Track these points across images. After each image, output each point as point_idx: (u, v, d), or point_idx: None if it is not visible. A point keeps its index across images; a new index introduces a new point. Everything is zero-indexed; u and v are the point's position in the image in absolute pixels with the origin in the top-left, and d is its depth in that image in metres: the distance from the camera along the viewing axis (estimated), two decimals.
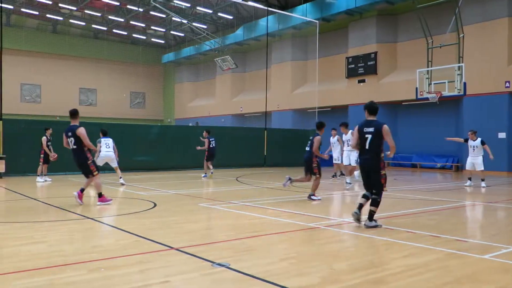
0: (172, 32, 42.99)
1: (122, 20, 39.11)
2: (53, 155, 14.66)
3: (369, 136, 7.20)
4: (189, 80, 46.05)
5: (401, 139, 26.81)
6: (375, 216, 7.26)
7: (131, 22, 39.90)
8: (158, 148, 20.74)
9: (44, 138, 14.74)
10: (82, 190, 9.42)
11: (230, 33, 37.38)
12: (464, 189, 13.92)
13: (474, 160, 14.54)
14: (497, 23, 21.29)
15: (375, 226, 7.12)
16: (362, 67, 27.37)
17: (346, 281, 4.31)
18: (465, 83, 18.25)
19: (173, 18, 35.96)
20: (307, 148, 11.05)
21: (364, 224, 7.16)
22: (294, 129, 28.80)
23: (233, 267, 4.70)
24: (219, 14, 36.78)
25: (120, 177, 14.11)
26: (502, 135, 20.89)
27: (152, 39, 45.55)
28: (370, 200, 7.25)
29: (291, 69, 33.02)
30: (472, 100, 21.85)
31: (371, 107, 7.42)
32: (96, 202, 9.50)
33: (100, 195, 9.40)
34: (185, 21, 34.01)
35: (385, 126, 7.23)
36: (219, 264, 4.79)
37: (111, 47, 44.23)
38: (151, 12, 37.01)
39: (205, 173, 17.62)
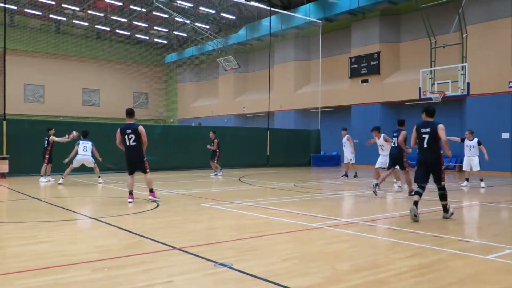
0: (174, 32, 43.02)
1: (125, 20, 39.16)
2: (74, 134, 14.64)
3: (426, 136, 7.99)
4: (191, 80, 46.10)
5: None
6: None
7: (134, 23, 39.95)
8: (160, 148, 20.75)
9: (52, 137, 14.85)
10: (151, 190, 9.97)
11: (232, 33, 37.40)
12: (460, 190, 13.87)
13: (471, 160, 14.55)
14: (501, 23, 21.23)
15: (452, 214, 8.05)
16: (365, 67, 27.34)
17: (349, 281, 4.30)
18: (468, 83, 18.21)
19: (176, 19, 35.99)
20: (394, 144, 11.85)
21: (444, 217, 8.03)
22: (296, 129, 28.79)
23: (235, 267, 4.71)
24: (222, 14, 36.78)
25: (99, 177, 14.58)
26: (505, 135, 20.82)
27: (155, 40, 45.61)
28: (438, 196, 8.11)
29: (293, 69, 33.01)
30: (476, 100, 21.80)
31: (428, 110, 8.19)
32: (149, 196, 9.95)
33: (151, 190, 9.97)
34: (187, 21, 34.05)
35: (440, 126, 7.97)
36: (222, 264, 4.80)
37: (114, 47, 44.27)
38: (154, 13, 37.07)
39: (215, 172, 18.21)
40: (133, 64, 45.09)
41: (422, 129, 8.11)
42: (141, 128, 9.71)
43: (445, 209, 8.07)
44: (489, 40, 21.57)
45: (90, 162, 14.47)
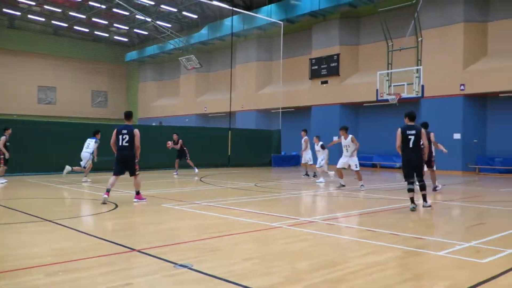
0: (135, 30, 42.32)
1: (84, 16, 38.19)
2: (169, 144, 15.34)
3: (412, 137, 9.08)
4: (153, 79, 45.48)
5: (362, 140, 27.31)
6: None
7: (93, 19, 39.01)
8: None
9: (3, 138, 14.25)
10: (137, 193, 10.11)
11: (194, 33, 37.16)
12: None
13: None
14: (453, 28, 22.06)
15: (430, 206, 9.25)
16: (325, 69, 27.76)
17: (308, 280, 4.37)
18: (423, 86, 18.78)
19: (137, 16, 35.40)
20: (423, 146, 12.91)
21: (423, 206, 9.23)
22: (258, 130, 28.92)
23: (195, 268, 4.70)
24: (184, 13, 36.47)
25: (85, 176, 14.99)
26: (457, 136, 21.63)
27: (115, 37, 44.71)
28: (419, 187, 9.29)
29: (255, 69, 33.13)
30: (430, 102, 22.55)
31: (411, 115, 9.35)
32: (133, 200, 10.00)
33: (138, 192, 10.08)
34: (149, 20, 33.50)
35: (423, 129, 9.28)
36: (182, 265, 4.77)
37: (72, 44, 43.15)
38: (114, 10, 36.30)
39: (176, 171, 18.79)
40: (92, 62, 44.06)
41: (407, 131, 9.15)
42: (136, 131, 9.88)
43: (425, 199, 9.22)
44: (442, 44, 22.36)
45: (85, 159, 14.88)
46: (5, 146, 14.21)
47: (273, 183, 15.98)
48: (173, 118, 39.77)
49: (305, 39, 30.25)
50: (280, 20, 28.47)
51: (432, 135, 12.89)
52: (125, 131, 9.82)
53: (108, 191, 9.71)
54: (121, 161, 9.87)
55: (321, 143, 16.73)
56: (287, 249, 5.72)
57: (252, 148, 26.01)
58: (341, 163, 13.50)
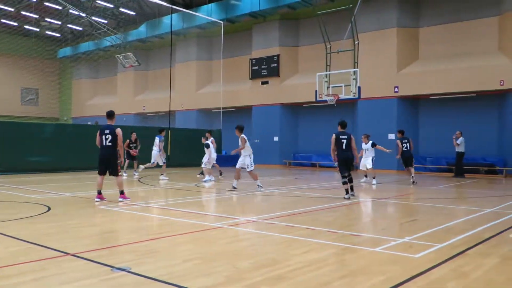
0: (69, 25, 40.58)
1: (12, 9, 36.08)
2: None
3: (344, 141, 11.22)
4: (88, 77, 43.83)
5: (301, 139, 27.87)
6: None
7: (23, 13, 36.93)
8: (53, 148, 19.47)
9: None
10: (121, 192, 10.17)
11: (132, 30, 36.20)
12: (359, 186, 14.83)
13: (365, 160, 16.05)
14: (387, 32, 23.01)
15: (353, 195, 11.39)
16: (265, 69, 28.03)
17: (250, 279, 4.37)
18: (359, 87, 19.44)
19: (70, 11, 33.98)
20: (407, 149, 15.76)
21: (352, 195, 11.25)
22: (198, 129, 28.63)
23: (134, 270, 4.56)
24: (121, 9, 35.44)
25: (162, 174, 16.64)
26: (391, 136, 22.56)
27: (47, 32, 42.63)
28: (347, 180, 11.12)
29: (196, 68, 32.84)
30: (366, 103, 23.39)
31: (343, 124, 11.52)
32: (118, 198, 10.06)
33: (122, 192, 10.19)
34: (83, 15, 32.30)
35: (352, 135, 11.47)
36: (119, 269, 4.62)
37: (0, 38, 40.70)
38: (46, 3, 34.59)
39: (137, 170, 18.47)
40: (22, 58, 41.83)
41: (340, 136, 11.23)
42: (118, 130, 10.05)
43: (352, 189, 11.33)
44: (377, 48, 23.27)
45: (153, 156, 16.65)
46: None
47: (213, 183, 15.90)
48: None
49: (245, 39, 30.37)
50: (220, 20, 28.37)
51: (410, 140, 15.96)
52: (107, 131, 9.99)
53: (99, 192, 10.01)
54: (103, 161, 10.03)
55: (207, 142, 16.37)
56: (228, 249, 5.69)
57: (193, 148, 25.72)
58: (239, 163, 13.22)
